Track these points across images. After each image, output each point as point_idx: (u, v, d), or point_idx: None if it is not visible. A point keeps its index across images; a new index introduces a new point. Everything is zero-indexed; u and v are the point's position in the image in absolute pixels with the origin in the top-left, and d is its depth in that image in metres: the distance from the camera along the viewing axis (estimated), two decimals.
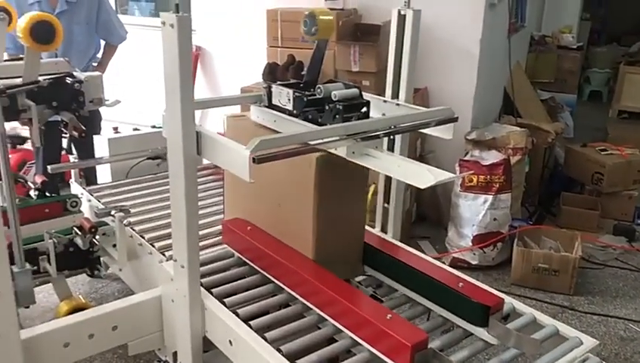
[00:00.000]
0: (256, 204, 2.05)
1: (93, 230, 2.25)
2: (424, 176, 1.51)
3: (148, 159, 2.98)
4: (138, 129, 3.37)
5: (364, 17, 3.93)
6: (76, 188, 2.89)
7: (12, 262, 1.87)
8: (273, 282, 1.96)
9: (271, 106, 2.00)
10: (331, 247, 1.91)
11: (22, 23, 1.87)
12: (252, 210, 2.09)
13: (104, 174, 3.15)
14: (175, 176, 1.69)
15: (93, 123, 3.23)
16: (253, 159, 1.48)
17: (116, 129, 3.18)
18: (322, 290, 1.77)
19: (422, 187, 1.49)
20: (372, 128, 1.72)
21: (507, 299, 1.85)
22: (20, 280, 1.95)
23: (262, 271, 2.00)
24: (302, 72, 3.67)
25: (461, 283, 1.78)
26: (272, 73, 3.74)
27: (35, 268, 2.16)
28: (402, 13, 2.15)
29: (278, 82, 1.97)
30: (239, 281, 2.02)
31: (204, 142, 1.66)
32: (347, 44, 3.59)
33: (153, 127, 3.53)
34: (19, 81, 1.99)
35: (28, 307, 2.11)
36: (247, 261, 2.07)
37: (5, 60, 2.49)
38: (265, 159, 1.52)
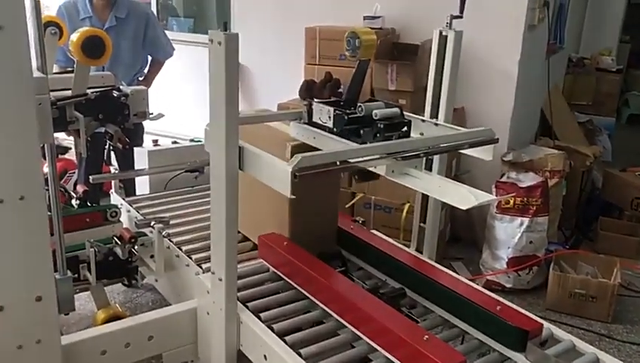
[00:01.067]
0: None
1: (133, 240, 2.29)
2: (465, 197, 1.50)
3: (186, 171, 3.04)
4: (177, 142, 3.44)
5: (401, 37, 3.95)
6: (115, 199, 2.95)
7: (54, 269, 1.92)
8: (308, 298, 1.96)
9: (311, 123, 2.02)
10: (306, 226, 2.09)
11: (74, 37, 1.94)
12: None
13: (142, 185, 3.21)
14: (217, 190, 1.72)
15: (135, 135, 3.31)
16: (294, 175, 1.50)
17: (155, 142, 3.24)
18: (357, 307, 1.77)
19: (463, 208, 1.48)
20: (413, 147, 1.73)
21: (546, 324, 1.82)
22: (62, 287, 1.98)
23: (296, 287, 2.01)
24: (339, 90, 3.75)
25: (498, 307, 1.76)
26: (309, 90, 3.82)
27: (76, 275, 2.20)
28: (444, 34, 2.15)
29: (319, 100, 1.99)
30: (274, 296, 2.03)
31: (246, 157, 1.68)
32: (385, 63, 3.61)
33: (192, 140, 3.59)
34: (68, 93, 2.05)
35: (67, 314, 2.15)
36: (282, 276, 2.08)
37: (55, 73, 2.57)
38: (305, 175, 1.54)
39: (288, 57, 4.42)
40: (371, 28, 3.56)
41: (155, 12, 5.47)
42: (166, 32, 5.52)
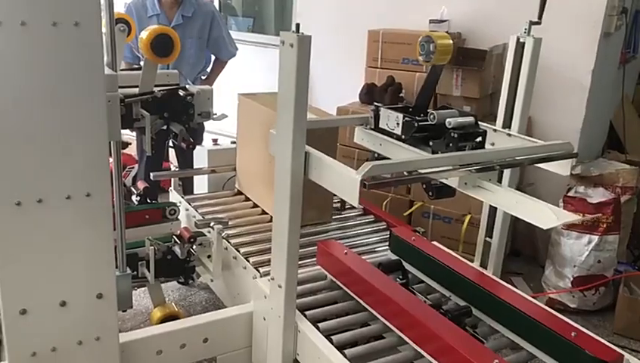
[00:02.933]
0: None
1: (192, 240, 2.28)
2: (546, 216, 1.41)
3: None
4: (235, 142, 3.43)
5: (468, 41, 3.83)
6: (174, 196, 2.97)
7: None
8: (367, 310, 1.90)
9: (377, 129, 1.96)
10: None
11: (144, 35, 1.94)
12: None
13: (200, 184, 3.22)
14: (280, 195, 1.67)
15: (197, 134, 3.32)
16: (363, 184, 1.44)
17: (215, 141, 3.24)
18: (420, 323, 1.69)
19: (544, 227, 1.39)
20: (488, 159, 1.64)
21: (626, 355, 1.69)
22: (121, 284, 1.99)
23: (356, 297, 1.95)
24: (401, 95, 3.66)
25: (573, 333, 1.65)
26: (370, 94, 3.75)
27: (134, 272, 2.21)
28: (522, 40, 2.04)
29: (388, 105, 1.92)
30: (332, 306, 1.98)
31: (312, 162, 1.63)
32: (450, 68, 3.50)
33: None
34: (134, 90, 2.06)
35: (125, 310, 2.16)
36: (341, 285, 2.02)
37: (122, 70, 2.59)
38: (374, 185, 1.47)
39: (348, 60, 4.35)
40: (435, 32, 3.47)
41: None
42: None
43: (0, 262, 1.51)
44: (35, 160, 1.49)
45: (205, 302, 3.10)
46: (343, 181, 1.50)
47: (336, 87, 4.39)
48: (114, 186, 1.90)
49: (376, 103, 2.00)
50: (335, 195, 1.73)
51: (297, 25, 1.52)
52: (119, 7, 3.69)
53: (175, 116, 2.14)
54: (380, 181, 1.50)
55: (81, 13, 1.43)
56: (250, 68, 4.87)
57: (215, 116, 2.30)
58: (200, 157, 3.12)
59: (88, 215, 1.59)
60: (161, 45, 1.93)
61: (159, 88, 2.10)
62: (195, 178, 3.30)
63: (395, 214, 3.14)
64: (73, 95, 1.47)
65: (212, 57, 3.76)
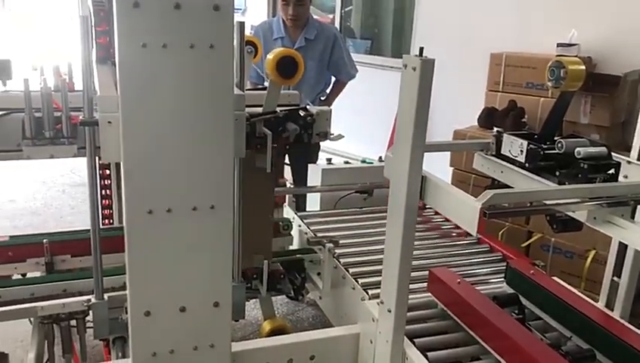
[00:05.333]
0: None
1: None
2: None
3: (356, 192, 3.04)
4: (349, 162, 3.47)
5: (599, 66, 3.61)
6: (287, 212, 3.04)
7: None
8: (479, 343, 1.82)
9: (499, 155, 1.89)
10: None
11: (270, 57, 2.02)
12: None
13: (312, 201, 3.28)
14: (394, 219, 1.66)
15: (312, 152, 3.38)
16: (484, 213, 1.39)
17: (329, 160, 3.30)
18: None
19: None
20: (621, 193, 1.53)
21: None
22: (236, 294, 2.05)
23: (468, 329, 1.88)
24: (523, 120, 3.51)
25: None
26: (489, 118, 3.64)
27: (249, 285, 2.28)
28: None
29: (511, 132, 1.85)
30: (442, 336, 1.92)
31: (428, 187, 1.61)
32: (578, 94, 3.31)
33: (363, 161, 3.59)
34: (258, 110, 2.14)
35: (237, 320, 2.23)
36: (453, 315, 1.96)
37: (247, 89, 2.72)
38: (495, 214, 1.42)
39: (467, 82, 4.27)
40: (562, 55, 3.31)
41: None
42: None
43: (130, 264, 1.63)
44: (167, 172, 1.59)
45: (312, 318, 3.14)
46: (461, 208, 1.46)
47: (453, 109, 4.31)
48: (236, 200, 1.99)
49: (498, 129, 1.94)
50: None
51: (421, 49, 1.52)
52: (247, 30, 3.88)
53: (295, 135, 2.20)
54: (502, 210, 1.45)
55: (216, 36, 1.52)
56: (367, 89, 4.92)
57: (332, 137, 2.34)
58: (315, 175, 3.18)
59: (211, 226, 1.67)
60: (286, 67, 2.00)
61: (280, 108, 2.17)
62: (308, 195, 3.37)
63: (511, 244, 3.00)
64: (205, 113, 1.56)
65: (332, 78, 3.84)
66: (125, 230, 1.59)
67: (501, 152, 1.88)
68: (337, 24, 5.81)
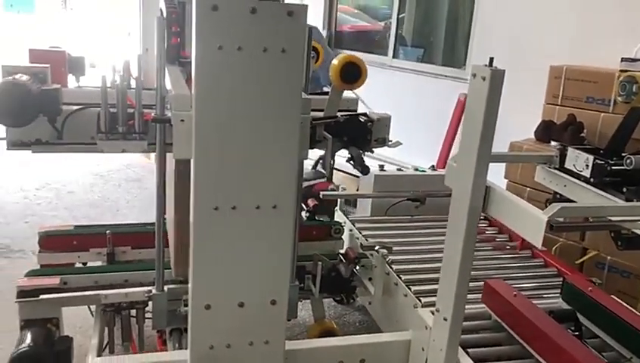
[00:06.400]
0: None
1: (356, 260, 2.34)
2: None
3: (408, 200, 3.04)
4: (402, 170, 3.47)
5: None
6: (339, 216, 3.07)
7: None
8: (534, 357, 1.80)
9: (562, 169, 1.87)
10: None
11: (335, 62, 2.05)
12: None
13: (363, 207, 3.29)
14: (455, 228, 1.66)
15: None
16: (550, 226, 1.38)
17: (382, 167, 3.31)
18: None
19: None
20: None
21: None
22: (290, 293, 2.10)
23: (523, 342, 1.86)
24: (582, 135, 3.44)
25: None
26: (547, 131, 3.57)
27: (302, 285, 2.32)
28: None
29: (576, 146, 1.83)
30: (496, 347, 1.91)
31: (492, 198, 1.61)
32: None
33: (416, 169, 3.59)
34: (320, 114, 2.18)
35: (289, 320, 2.27)
36: (507, 327, 1.94)
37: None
38: (561, 227, 1.41)
39: (523, 95, 4.19)
40: (626, 70, 3.22)
41: (394, 40, 5.68)
42: (394, 60, 5.70)
43: (195, 258, 1.68)
44: (234, 171, 1.64)
45: (359, 323, 3.15)
46: (527, 220, 1.46)
47: (508, 121, 4.22)
48: (297, 202, 2.02)
49: (561, 143, 1.92)
50: None
51: (491, 59, 1.52)
52: None
53: (354, 140, 2.22)
54: (567, 224, 1.43)
55: (288, 40, 1.56)
56: (418, 97, 4.90)
57: (390, 143, 2.35)
58: (367, 181, 3.20)
59: (272, 226, 1.71)
60: (350, 73, 2.03)
61: (341, 113, 2.20)
62: (359, 200, 3.38)
63: (565, 260, 2.94)
64: (273, 115, 1.60)
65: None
66: (192, 225, 1.65)
67: (565, 166, 1.86)
68: (392, 31, 5.81)
